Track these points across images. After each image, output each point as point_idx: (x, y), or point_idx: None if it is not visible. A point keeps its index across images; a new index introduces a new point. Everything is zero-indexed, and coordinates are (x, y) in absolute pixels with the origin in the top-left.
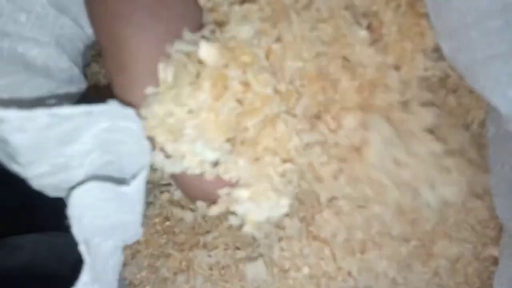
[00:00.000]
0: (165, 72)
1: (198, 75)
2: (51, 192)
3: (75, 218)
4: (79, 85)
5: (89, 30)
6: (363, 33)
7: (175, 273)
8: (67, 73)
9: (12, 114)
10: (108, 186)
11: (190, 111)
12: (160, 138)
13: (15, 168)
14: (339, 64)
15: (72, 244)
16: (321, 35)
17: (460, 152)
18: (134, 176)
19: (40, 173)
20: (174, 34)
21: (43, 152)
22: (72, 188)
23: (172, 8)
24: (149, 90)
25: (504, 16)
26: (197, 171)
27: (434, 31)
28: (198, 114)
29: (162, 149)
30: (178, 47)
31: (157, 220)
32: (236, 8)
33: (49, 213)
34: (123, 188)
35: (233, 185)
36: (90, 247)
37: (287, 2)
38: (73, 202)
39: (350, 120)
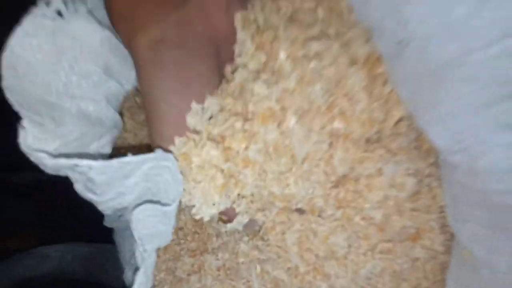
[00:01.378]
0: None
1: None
2: (107, 211)
3: (135, 229)
4: (120, 127)
5: (127, 87)
6: None
7: (189, 274)
8: (112, 120)
9: (98, 164)
10: (157, 206)
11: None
12: None
13: (90, 196)
14: None
15: (95, 252)
16: None
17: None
18: (174, 200)
19: (107, 199)
20: (197, 98)
21: (112, 185)
22: (122, 209)
23: (198, 75)
24: (177, 141)
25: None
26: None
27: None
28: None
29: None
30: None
31: (173, 230)
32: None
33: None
34: (166, 208)
35: None
36: (139, 250)
37: None
38: (135, 217)
39: None
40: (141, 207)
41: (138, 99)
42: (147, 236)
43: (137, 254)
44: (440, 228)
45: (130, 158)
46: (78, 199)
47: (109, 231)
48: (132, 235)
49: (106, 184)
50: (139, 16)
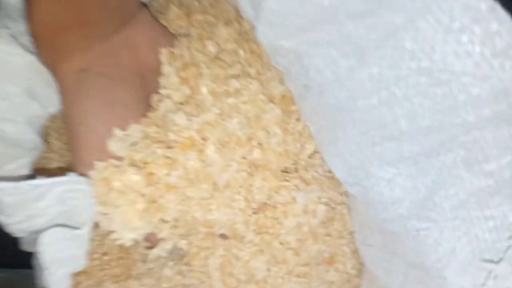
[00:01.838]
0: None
1: None
2: (19, 234)
3: (42, 252)
4: (40, 149)
5: (51, 109)
6: None
7: None
8: (32, 143)
9: (6, 185)
10: (67, 230)
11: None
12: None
13: (1, 218)
14: None
15: (12, 278)
16: None
17: None
18: (85, 223)
19: (16, 221)
20: (119, 124)
21: (21, 207)
22: (35, 231)
23: (120, 102)
24: (97, 165)
25: None
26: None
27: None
28: None
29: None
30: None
31: (96, 255)
32: None
33: None
34: (77, 231)
35: None
36: (48, 275)
37: None
38: (42, 241)
39: None
40: (50, 231)
41: None
42: (59, 260)
43: (48, 279)
44: (352, 252)
45: (40, 181)
46: None
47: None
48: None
49: (15, 206)
50: (64, 45)
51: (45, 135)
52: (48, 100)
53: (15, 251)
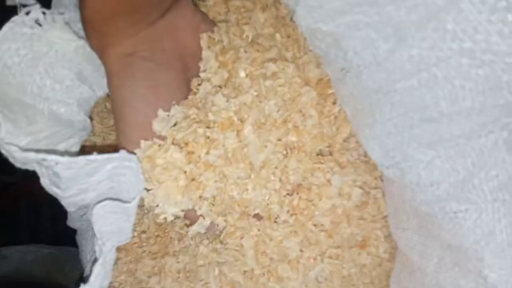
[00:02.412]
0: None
1: None
2: (71, 208)
3: (94, 223)
4: (88, 130)
5: (99, 93)
6: None
7: (149, 276)
8: (82, 123)
9: (65, 159)
10: (117, 203)
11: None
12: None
13: (54, 190)
14: None
15: (55, 254)
16: None
17: None
18: (134, 197)
19: (70, 195)
20: (162, 105)
21: (76, 181)
22: (85, 205)
23: (164, 85)
24: (142, 144)
25: None
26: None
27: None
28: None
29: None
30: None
31: (135, 233)
32: None
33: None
34: (126, 205)
35: None
36: (98, 245)
37: None
38: (95, 213)
39: None
40: (102, 203)
41: (108, 105)
42: (107, 232)
43: (96, 248)
44: (385, 237)
45: (95, 157)
46: (39, 203)
47: (66, 234)
48: (94, 235)
49: (70, 180)
50: (114, 31)
51: None
52: (96, 84)
53: (60, 230)
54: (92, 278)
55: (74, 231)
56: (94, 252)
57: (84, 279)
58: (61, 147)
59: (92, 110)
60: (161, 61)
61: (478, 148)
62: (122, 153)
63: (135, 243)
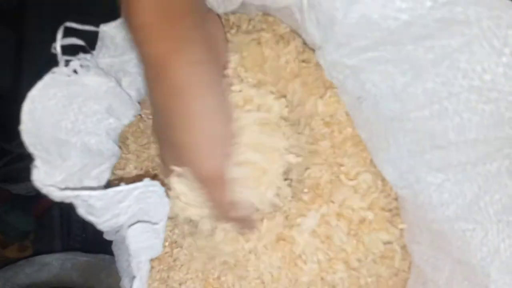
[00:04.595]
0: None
1: None
2: (106, 229)
3: (129, 243)
4: (118, 155)
5: (125, 122)
6: None
7: (180, 284)
8: (111, 150)
9: (96, 193)
10: (147, 224)
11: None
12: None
13: (90, 218)
14: None
15: (92, 262)
16: None
17: None
18: (161, 218)
19: (104, 220)
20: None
21: (108, 209)
22: (118, 227)
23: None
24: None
25: None
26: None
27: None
28: None
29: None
30: None
31: (166, 243)
32: None
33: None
34: (156, 226)
35: None
36: (134, 262)
37: None
38: (129, 234)
39: None
40: (134, 226)
41: (141, 125)
42: (141, 249)
43: (133, 265)
44: (401, 248)
45: (122, 188)
46: (70, 212)
47: (96, 242)
48: (129, 254)
49: (104, 209)
50: (177, 34)
51: (123, 138)
52: (122, 115)
53: (96, 239)
54: None
55: (103, 238)
56: (130, 263)
57: (121, 286)
58: (94, 174)
59: (127, 130)
60: (219, 71)
61: (483, 174)
62: (145, 181)
63: (166, 252)
